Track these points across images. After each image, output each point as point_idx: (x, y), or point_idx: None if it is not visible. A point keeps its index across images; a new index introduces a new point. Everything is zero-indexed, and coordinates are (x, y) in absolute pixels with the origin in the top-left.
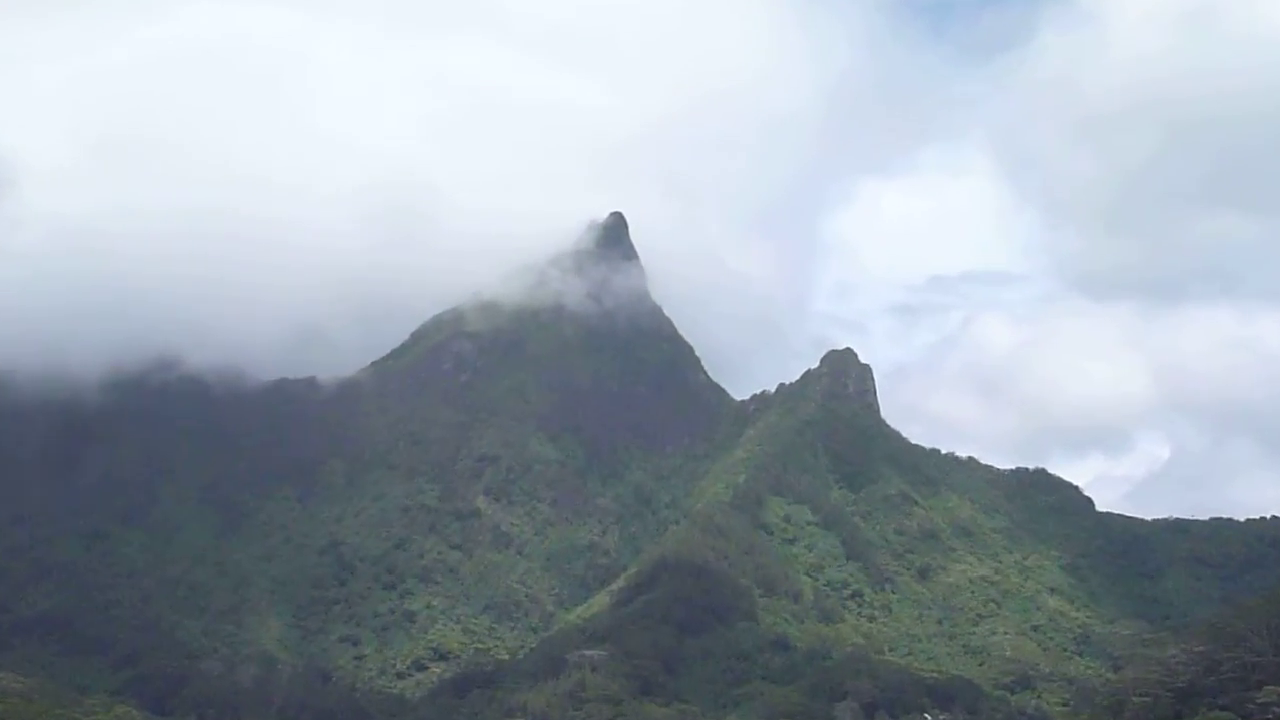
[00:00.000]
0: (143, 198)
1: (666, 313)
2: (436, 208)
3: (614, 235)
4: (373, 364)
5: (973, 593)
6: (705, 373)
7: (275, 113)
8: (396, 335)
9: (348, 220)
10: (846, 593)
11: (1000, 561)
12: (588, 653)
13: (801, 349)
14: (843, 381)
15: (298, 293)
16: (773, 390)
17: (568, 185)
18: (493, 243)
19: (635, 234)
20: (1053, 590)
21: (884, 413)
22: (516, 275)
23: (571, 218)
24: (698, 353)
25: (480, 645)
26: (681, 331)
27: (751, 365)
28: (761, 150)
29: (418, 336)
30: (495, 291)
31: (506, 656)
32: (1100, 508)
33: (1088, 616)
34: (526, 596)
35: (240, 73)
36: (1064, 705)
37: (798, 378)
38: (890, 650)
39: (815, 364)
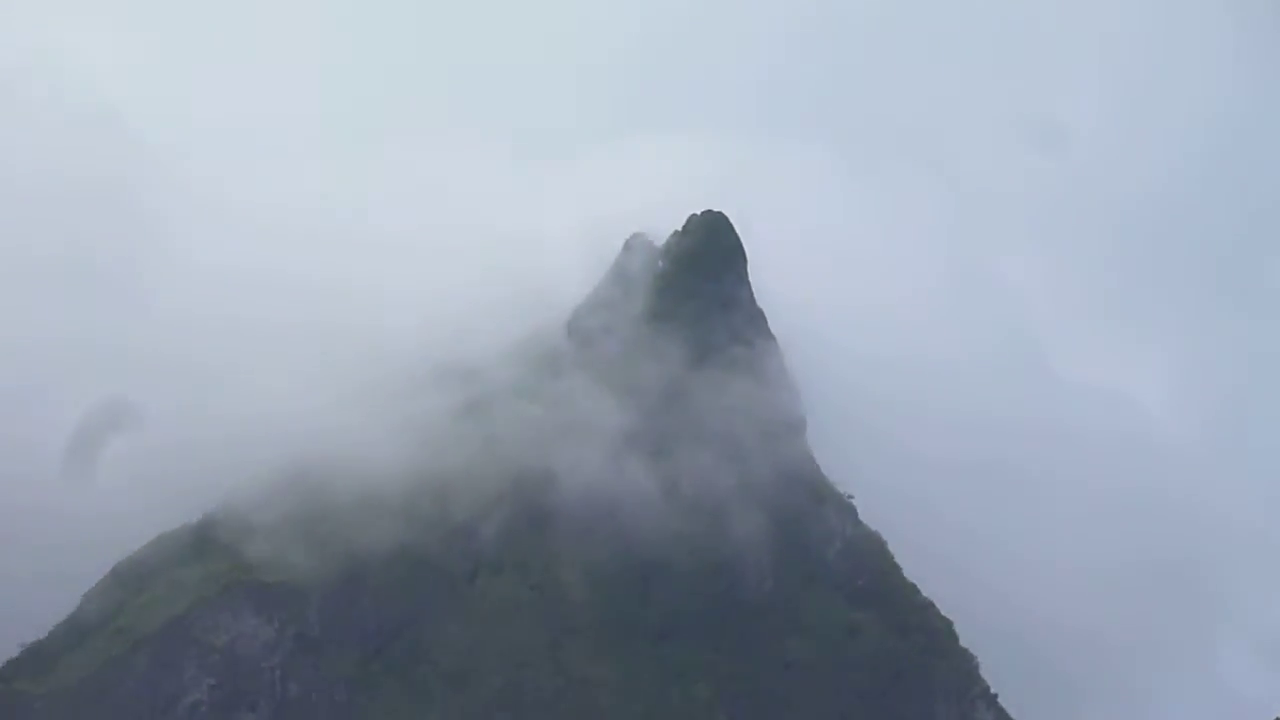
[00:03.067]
0: None
1: (868, 517)
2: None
3: (704, 273)
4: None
5: None
6: (987, 698)
7: None
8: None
9: None
10: None
11: None
12: None
13: None
14: None
15: None
16: None
17: (567, 135)
18: (353, 295)
19: (763, 272)
20: None
21: None
22: (419, 390)
23: (577, 224)
24: (964, 638)
25: None
26: (909, 569)
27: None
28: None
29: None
30: (362, 441)
31: None
32: None
33: None
34: None
35: None
36: None
37: None
38: None
39: None
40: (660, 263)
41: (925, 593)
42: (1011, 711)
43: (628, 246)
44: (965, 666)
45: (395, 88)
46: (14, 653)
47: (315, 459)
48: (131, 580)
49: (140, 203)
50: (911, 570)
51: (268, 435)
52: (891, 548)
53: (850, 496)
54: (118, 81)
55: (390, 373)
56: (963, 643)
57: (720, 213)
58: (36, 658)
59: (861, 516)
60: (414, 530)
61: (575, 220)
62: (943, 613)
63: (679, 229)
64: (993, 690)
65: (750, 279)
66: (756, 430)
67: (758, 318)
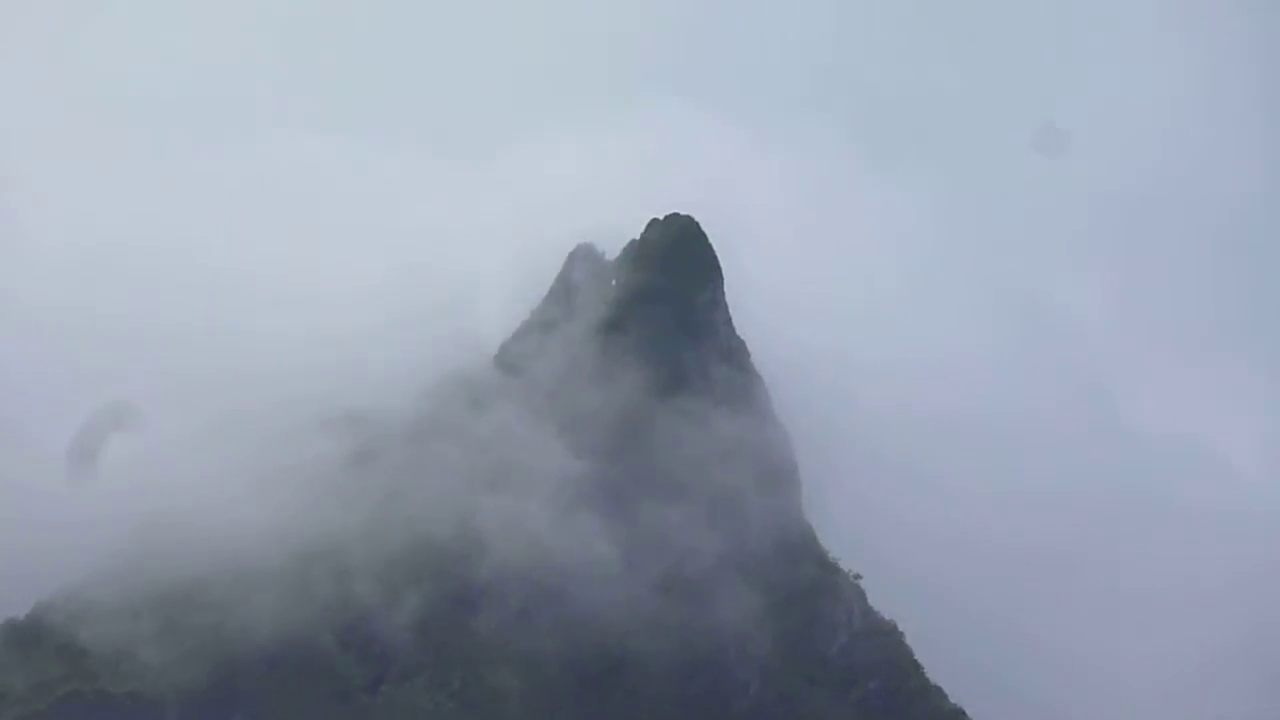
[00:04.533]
0: None
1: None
2: None
3: (668, 292)
4: None
5: None
6: None
7: None
8: None
9: None
10: None
11: None
12: None
13: None
14: None
15: None
16: None
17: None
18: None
19: (743, 292)
20: None
21: None
22: (302, 430)
23: (506, 233)
24: None
25: None
26: (932, 669)
27: None
28: None
29: None
30: (228, 497)
31: None
32: None
33: None
34: None
35: None
36: None
37: None
38: None
39: None
40: (613, 280)
41: (954, 699)
42: None
43: (572, 259)
44: None
45: (279, 62)
46: None
47: (169, 522)
48: None
49: None
50: (935, 671)
51: (109, 490)
52: (909, 641)
53: (857, 576)
54: None
55: (265, 406)
56: None
57: (689, 216)
58: None
59: (871, 601)
60: (299, 619)
61: (502, 227)
62: None
63: (636, 237)
64: None
65: (727, 300)
66: (745, 479)
67: (738, 350)
